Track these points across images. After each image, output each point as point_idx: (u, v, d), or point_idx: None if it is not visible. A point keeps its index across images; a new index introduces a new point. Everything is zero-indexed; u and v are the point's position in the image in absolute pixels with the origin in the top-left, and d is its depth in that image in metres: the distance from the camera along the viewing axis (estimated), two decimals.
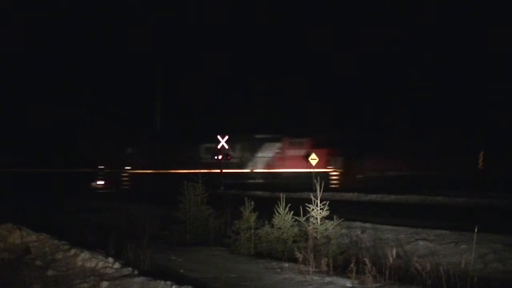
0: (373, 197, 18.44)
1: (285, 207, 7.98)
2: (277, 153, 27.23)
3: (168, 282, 5.34)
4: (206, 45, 39.02)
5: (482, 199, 16.12)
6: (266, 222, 8.22)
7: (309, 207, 7.53)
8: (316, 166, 25.20)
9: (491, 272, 7.03)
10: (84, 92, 36.30)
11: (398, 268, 5.92)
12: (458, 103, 30.75)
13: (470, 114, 29.83)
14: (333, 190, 22.25)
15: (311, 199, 7.55)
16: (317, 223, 7.47)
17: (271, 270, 6.62)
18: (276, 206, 8.04)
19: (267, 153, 27.88)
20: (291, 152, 26.96)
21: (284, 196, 8.02)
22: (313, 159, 23.79)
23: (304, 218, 7.61)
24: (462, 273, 5.66)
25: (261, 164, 27.90)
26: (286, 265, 6.74)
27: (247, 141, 27.76)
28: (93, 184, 30.66)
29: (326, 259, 6.42)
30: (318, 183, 7.45)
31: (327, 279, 5.97)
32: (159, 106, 35.07)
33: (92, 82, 36.11)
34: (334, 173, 25.66)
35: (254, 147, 27.26)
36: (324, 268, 6.29)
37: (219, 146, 26.57)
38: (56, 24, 36.59)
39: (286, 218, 7.95)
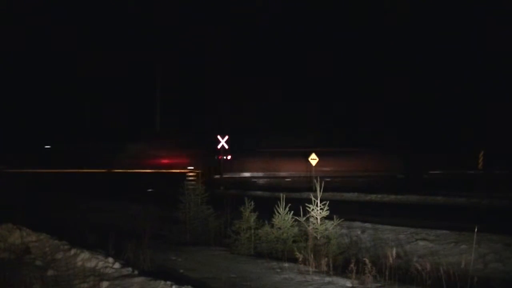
0: (373, 197, 18.51)
1: (285, 207, 7.98)
2: (138, 154, 27.15)
3: (168, 282, 5.34)
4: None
5: (482, 199, 16.13)
6: (266, 222, 8.21)
7: (309, 207, 7.52)
8: (175, 167, 25.33)
9: (491, 272, 7.03)
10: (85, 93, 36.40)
11: (398, 268, 5.92)
12: (458, 103, 30.78)
13: (470, 113, 29.84)
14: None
15: (311, 199, 7.54)
16: (317, 223, 7.46)
17: (271, 270, 6.62)
18: (276, 206, 8.03)
19: (129, 153, 27.72)
20: (154, 153, 27.01)
21: (284, 196, 8.02)
22: (313, 159, 23.73)
23: (304, 218, 7.61)
24: (462, 273, 5.65)
25: (123, 164, 27.71)
26: (286, 265, 6.74)
27: (116, 142, 27.67)
28: None
29: (326, 259, 6.42)
30: (318, 183, 7.45)
31: (327, 279, 5.98)
32: (159, 106, 35.12)
33: (92, 83, 36.23)
34: (191, 174, 25.79)
35: (117, 148, 27.10)
36: (324, 268, 6.29)
37: (218, 146, 26.50)
38: (56, 24, 36.63)
39: (286, 218, 7.95)
